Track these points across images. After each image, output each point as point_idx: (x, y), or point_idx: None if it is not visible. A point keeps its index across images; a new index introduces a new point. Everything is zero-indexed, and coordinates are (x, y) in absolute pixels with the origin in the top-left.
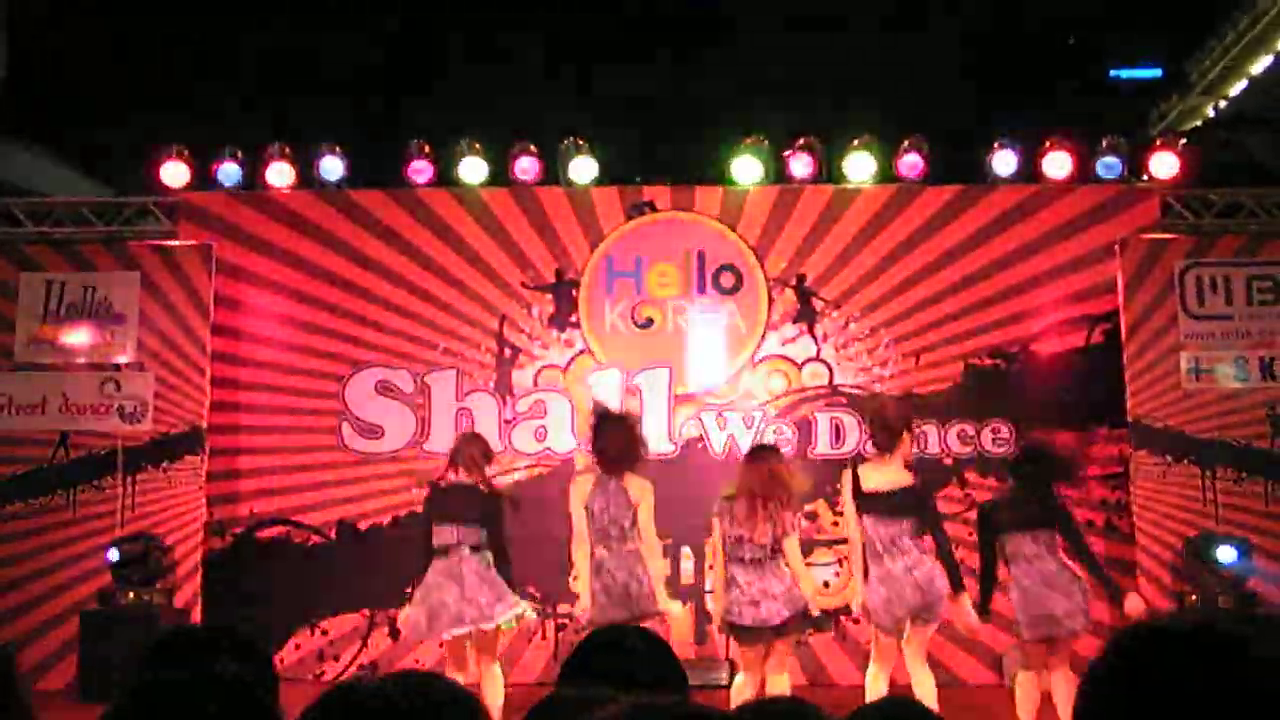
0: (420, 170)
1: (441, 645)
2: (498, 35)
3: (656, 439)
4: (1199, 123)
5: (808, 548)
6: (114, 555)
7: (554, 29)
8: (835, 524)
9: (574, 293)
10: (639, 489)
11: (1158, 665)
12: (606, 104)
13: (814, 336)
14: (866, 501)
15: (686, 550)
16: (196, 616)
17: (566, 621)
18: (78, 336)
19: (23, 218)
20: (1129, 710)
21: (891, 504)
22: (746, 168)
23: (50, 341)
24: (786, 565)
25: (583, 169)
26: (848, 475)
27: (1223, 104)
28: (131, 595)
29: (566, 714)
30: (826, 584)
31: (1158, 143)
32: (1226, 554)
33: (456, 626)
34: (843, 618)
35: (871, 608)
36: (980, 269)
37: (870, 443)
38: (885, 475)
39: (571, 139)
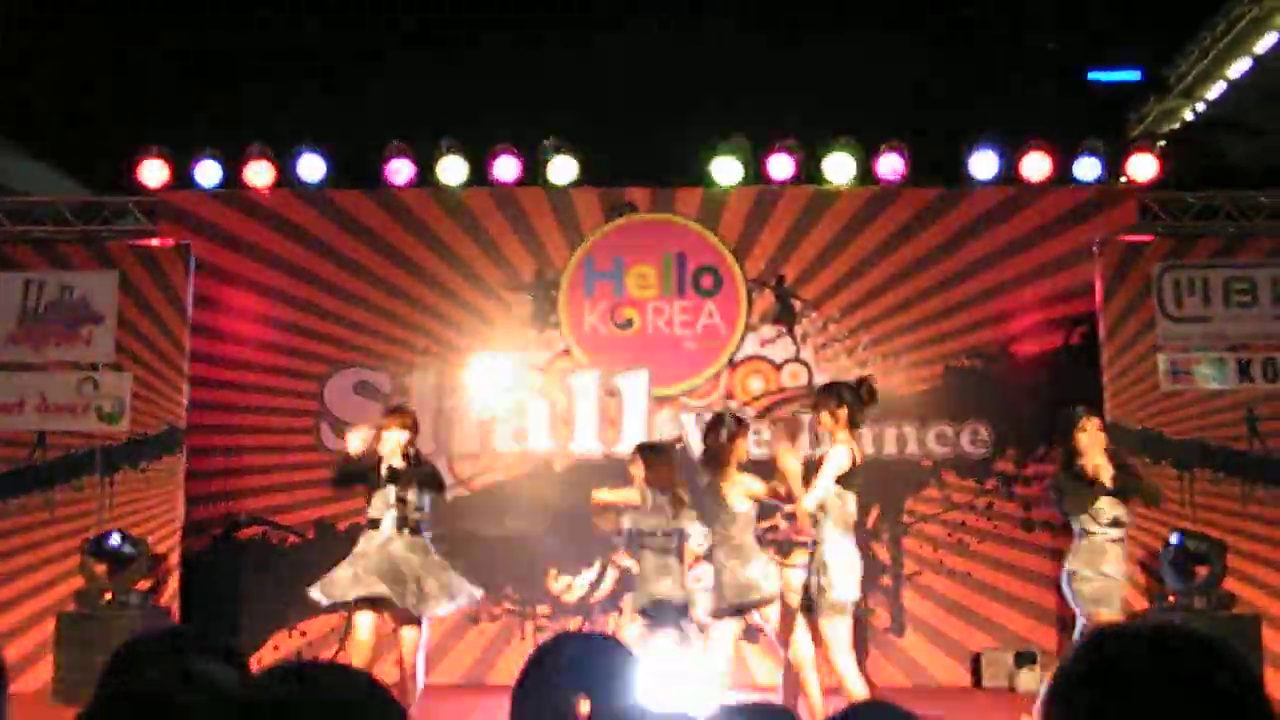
0: (399, 170)
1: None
2: (478, 34)
3: (634, 440)
4: (1177, 125)
5: (786, 549)
6: (115, 540)
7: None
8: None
9: (553, 293)
10: (734, 489)
11: (1122, 664)
12: (586, 104)
13: (793, 337)
14: (854, 477)
15: None
16: (174, 617)
17: (545, 623)
18: (55, 336)
19: (1, 216)
20: (1093, 708)
21: (864, 477)
22: (726, 169)
23: (28, 341)
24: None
25: (562, 170)
26: (850, 450)
27: (1201, 107)
28: (109, 596)
29: None
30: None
31: (1136, 145)
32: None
33: (389, 605)
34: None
35: (846, 581)
36: (959, 271)
37: (854, 419)
38: (857, 450)
39: (551, 139)
